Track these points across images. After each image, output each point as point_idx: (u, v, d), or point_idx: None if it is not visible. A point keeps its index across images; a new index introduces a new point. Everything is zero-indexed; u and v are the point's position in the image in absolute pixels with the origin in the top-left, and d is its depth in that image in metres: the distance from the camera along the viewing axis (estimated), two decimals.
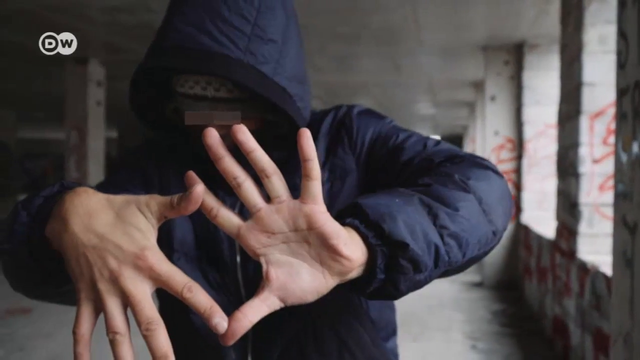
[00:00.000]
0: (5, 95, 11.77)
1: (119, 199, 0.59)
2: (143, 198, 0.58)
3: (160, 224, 0.58)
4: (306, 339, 0.96)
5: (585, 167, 3.87)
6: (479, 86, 9.52)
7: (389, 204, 0.64)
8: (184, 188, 0.97)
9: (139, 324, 0.54)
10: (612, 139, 3.77)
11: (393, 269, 0.63)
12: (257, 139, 0.59)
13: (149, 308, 0.54)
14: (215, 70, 0.82)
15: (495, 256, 7.05)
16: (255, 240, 0.58)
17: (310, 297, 0.58)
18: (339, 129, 0.99)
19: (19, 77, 9.27)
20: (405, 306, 5.81)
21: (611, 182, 3.76)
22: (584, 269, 3.68)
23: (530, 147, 6.74)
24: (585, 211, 3.86)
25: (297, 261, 0.58)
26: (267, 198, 0.59)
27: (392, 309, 1.10)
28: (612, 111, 3.75)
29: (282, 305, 0.57)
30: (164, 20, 0.89)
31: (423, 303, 6.13)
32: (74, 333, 0.56)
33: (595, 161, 3.86)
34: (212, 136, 0.56)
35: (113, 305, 0.55)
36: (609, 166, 3.76)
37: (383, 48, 7.12)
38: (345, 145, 0.97)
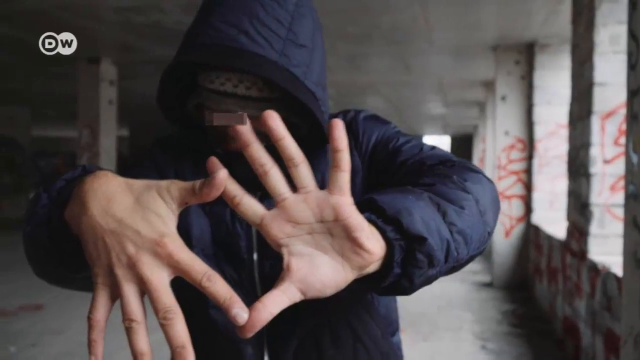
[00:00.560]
0: (19, 93, 11.88)
1: (139, 183, 0.58)
2: (164, 183, 0.57)
3: (180, 210, 0.57)
4: (322, 333, 0.98)
5: (597, 168, 3.86)
6: (489, 86, 9.49)
7: (403, 200, 0.66)
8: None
9: (156, 311, 0.53)
10: (623, 140, 3.76)
11: (409, 264, 0.64)
12: None
13: (167, 296, 0.53)
14: (254, 69, 0.84)
15: (505, 256, 7.03)
16: (278, 230, 0.56)
17: (329, 291, 0.57)
18: (346, 131, 1.01)
19: (32, 76, 9.35)
20: (415, 306, 5.81)
21: (622, 183, 3.74)
22: (595, 270, 3.67)
23: (540, 147, 6.72)
24: (596, 212, 3.85)
25: (318, 253, 0.57)
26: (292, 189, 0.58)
27: (396, 306, 1.14)
28: (623, 111, 3.74)
29: (301, 297, 0.56)
30: (198, 19, 0.92)
31: (433, 303, 6.13)
32: (89, 319, 0.55)
33: (607, 162, 3.84)
34: (243, 127, 0.55)
35: (130, 292, 0.54)
36: (620, 167, 3.75)
37: (393, 48, 7.12)
38: (352, 146, 1.01)
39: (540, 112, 6.68)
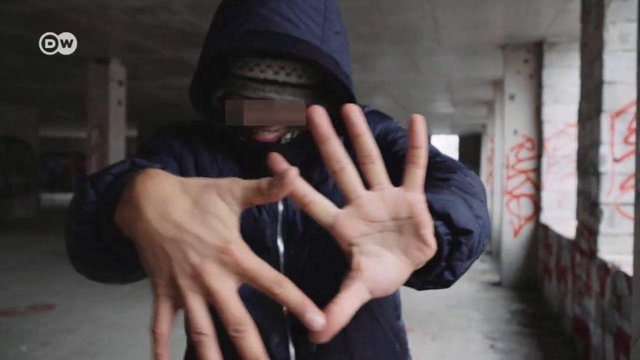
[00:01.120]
0: (28, 94, 11.95)
1: (195, 182, 0.54)
2: (224, 183, 0.52)
3: (243, 211, 0.53)
4: (350, 326, 1.00)
5: (606, 166, 3.84)
6: (498, 85, 9.47)
7: (441, 195, 0.68)
8: (221, 173, 0.98)
9: (226, 324, 0.49)
10: (633, 138, 3.74)
11: (453, 257, 0.66)
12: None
13: (237, 307, 0.49)
14: (306, 55, 0.86)
15: (514, 256, 7.02)
16: (352, 229, 0.54)
17: (393, 289, 0.56)
18: None
19: (41, 76, 9.41)
20: (424, 305, 5.81)
21: (632, 182, 3.73)
22: (605, 269, 3.66)
23: (549, 146, 6.69)
24: (606, 210, 3.84)
25: (385, 251, 0.55)
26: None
27: (399, 292, 1.16)
28: (633, 110, 3.72)
29: (369, 297, 0.54)
30: (235, 7, 0.92)
31: (442, 302, 6.12)
32: (153, 332, 0.52)
33: (616, 160, 3.83)
34: (320, 114, 0.52)
35: (196, 304, 0.50)
36: (630, 165, 3.74)
37: (402, 47, 7.12)
38: None
39: (549, 111, 6.66)
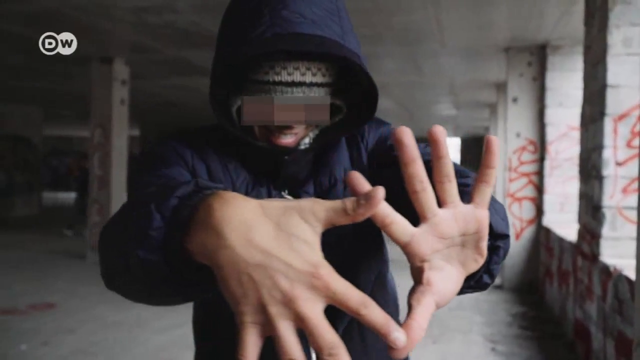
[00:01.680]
0: (32, 93, 11.98)
1: (275, 205, 0.53)
2: (306, 204, 0.52)
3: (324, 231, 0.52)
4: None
5: (609, 170, 3.84)
6: (501, 87, 9.46)
7: None
8: (234, 181, 0.99)
9: (319, 349, 0.48)
10: (636, 142, 3.74)
11: (492, 260, 0.70)
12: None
13: (329, 331, 0.48)
14: (337, 52, 0.88)
15: (516, 259, 7.01)
16: (427, 247, 0.56)
17: (451, 299, 0.59)
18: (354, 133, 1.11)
19: (45, 75, 9.44)
20: None
21: (635, 185, 3.72)
22: (607, 272, 3.65)
23: (552, 149, 6.69)
24: (608, 214, 3.83)
25: (448, 265, 0.58)
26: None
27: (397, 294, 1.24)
28: (636, 113, 3.72)
29: (435, 310, 0.56)
30: (254, 11, 0.92)
31: None
32: None
33: (619, 164, 3.82)
34: (409, 136, 0.53)
35: (287, 330, 0.49)
36: (632, 169, 3.73)
37: (405, 49, 7.12)
38: (360, 144, 1.08)
39: (551, 114, 6.66)
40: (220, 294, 0.53)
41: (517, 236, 7.00)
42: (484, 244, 0.58)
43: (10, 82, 10.46)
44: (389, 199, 0.57)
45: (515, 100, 7.05)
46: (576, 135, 6.26)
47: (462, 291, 0.72)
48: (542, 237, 6.71)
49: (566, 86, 6.58)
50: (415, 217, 0.57)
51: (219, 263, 0.52)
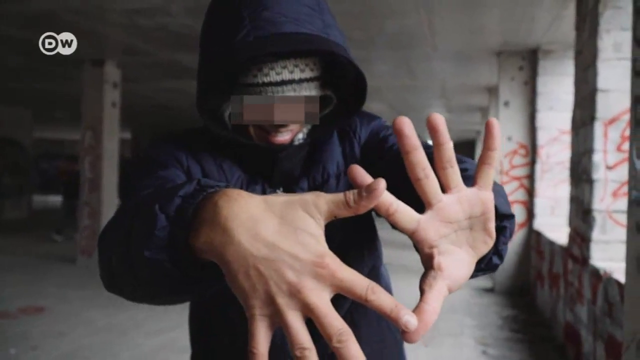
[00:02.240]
0: (22, 95, 11.91)
1: (279, 200, 0.55)
2: (309, 198, 0.53)
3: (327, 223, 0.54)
4: (357, 310, 1.07)
5: (599, 174, 3.86)
6: (492, 91, 9.50)
7: None
8: (229, 180, 1.00)
9: (329, 337, 0.49)
10: (625, 146, 3.76)
11: (499, 241, 0.71)
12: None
13: (336, 318, 0.50)
14: (321, 48, 0.89)
15: (507, 262, 7.02)
16: (435, 232, 0.57)
17: (463, 283, 0.59)
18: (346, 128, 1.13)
19: (36, 77, 9.39)
20: None
21: (625, 189, 3.74)
22: (597, 276, 3.67)
23: (543, 152, 6.72)
24: (598, 218, 3.85)
25: (458, 249, 0.58)
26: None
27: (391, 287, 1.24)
28: (626, 118, 3.74)
29: (447, 294, 0.57)
30: (235, 15, 0.92)
31: None
32: (252, 353, 0.52)
33: (609, 168, 3.85)
34: (409, 126, 0.54)
35: (296, 320, 0.51)
36: (622, 173, 3.75)
37: (397, 53, 7.14)
38: (352, 138, 1.10)
39: (543, 118, 6.69)
40: (216, 294, 0.54)
41: None
42: (492, 225, 0.59)
43: None
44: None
45: (506, 104, 7.08)
46: (567, 139, 6.29)
47: (474, 274, 0.73)
48: (533, 241, 6.73)
49: (557, 90, 6.62)
50: (416, 207, 0.58)
51: (226, 259, 0.54)
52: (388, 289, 1.15)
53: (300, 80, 0.93)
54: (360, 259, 1.07)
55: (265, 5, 0.91)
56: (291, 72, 0.92)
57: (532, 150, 6.90)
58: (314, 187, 1.04)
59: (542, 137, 6.70)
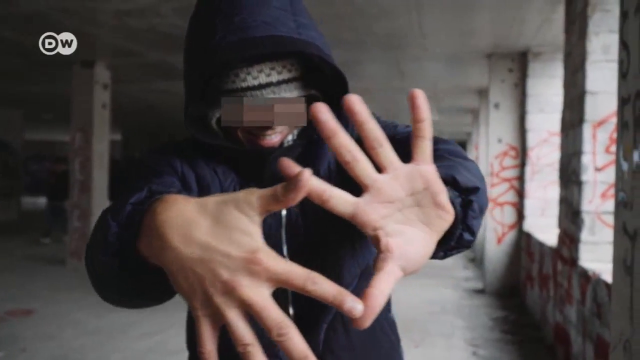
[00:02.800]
0: (12, 96, 11.83)
1: (212, 200, 0.55)
2: (240, 195, 0.53)
3: (263, 218, 0.54)
4: None
5: (588, 175, 3.88)
6: (482, 93, 9.53)
7: (440, 162, 0.72)
8: (223, 186, 1.00)
9: (269, 330, 0.50)
10: (614, 148, 3.78)
11: (468, 216, 0.71)
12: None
13: (275, 311, 0.50)
14: (292, 49, 0.89)
15: (497, 263, 7.06)
16: (374, 214, 0.55)
17: (423, 262, 0.58)
18: (339, 114, 1.13)
19: (26, 78, 9.32)
20: (407, 312, 5.82)
21: (613, 191, 3.77)
22: (586, 277, 3.69)
23: (533, 154, 6.75)
24: (587, 219, 3.87)
25: (408, 227, 0.57)
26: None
27: None
28: (614, 120, 3.77)
29: (402, 275, 0.56)
30: (212, 21, 0.93)
31: (424, 309, 6.14)
32: (201, 353, 0.53)
33: (598, 169, 3.87)
34: (324, 111, 0.52)
35: (235, 318, 0.51)
36: (611, 174, 3.78)
37: (388, 54, 7.15)
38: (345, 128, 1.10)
39: (532, 120, 6.73)
40: None
41: (499, 241, 7.05)
42: (443, 198, 0.58)
43: None
44: None
45: (496, 106, 7.11)
46: (556, 140, 6.32)
47: (447, 253, 0.74)
48: (523, 242, 6.76)
49: (547, 92, 6.66)
50: None
51: (165, 263, 0.55)
52: None
53: (279, 82, 0.93)
54: (352, 259, 1.05)
55: (237, 10, 0.91)
56: (268, 75, 0.92)
57: (522, 152, 6.93)
58: None
59: (532, 139, 6.74)
